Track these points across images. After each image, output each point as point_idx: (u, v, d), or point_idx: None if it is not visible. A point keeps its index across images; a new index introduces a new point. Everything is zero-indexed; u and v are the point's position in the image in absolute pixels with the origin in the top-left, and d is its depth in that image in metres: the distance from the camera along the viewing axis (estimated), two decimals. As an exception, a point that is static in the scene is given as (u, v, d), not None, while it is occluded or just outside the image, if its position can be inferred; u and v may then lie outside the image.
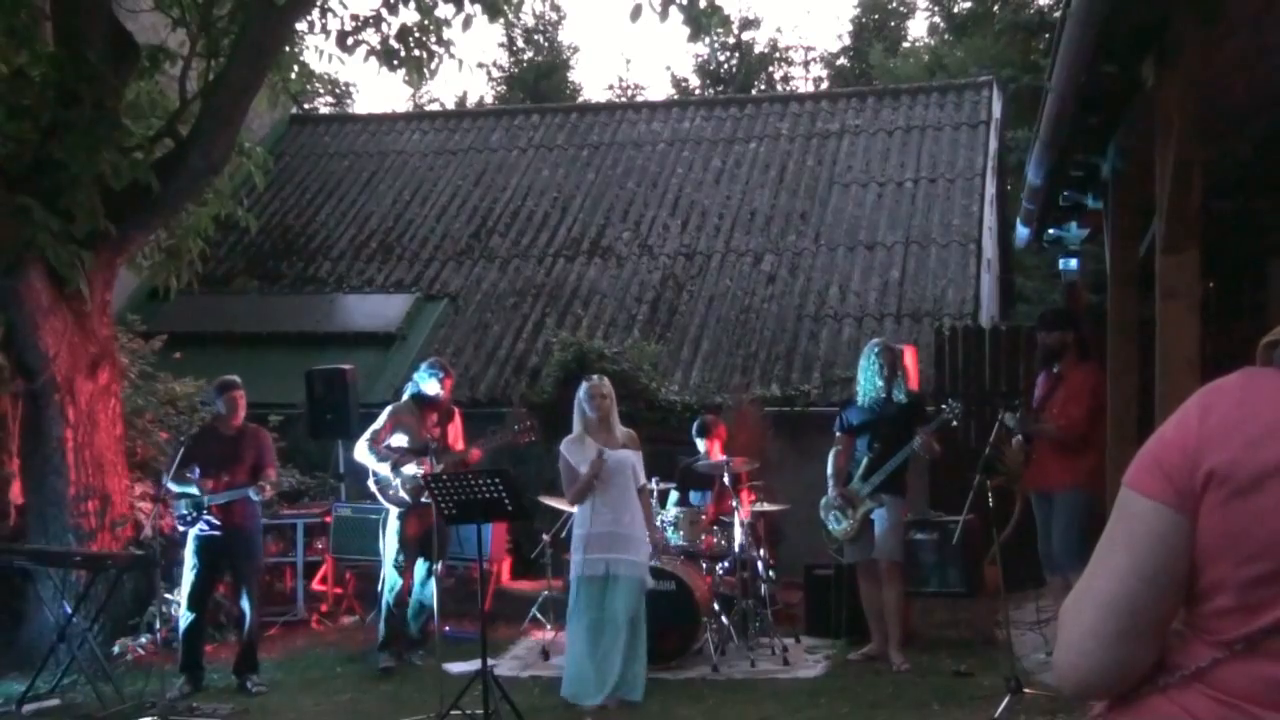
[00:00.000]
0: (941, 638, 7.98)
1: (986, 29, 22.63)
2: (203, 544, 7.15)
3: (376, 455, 7.76)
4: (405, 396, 8.12)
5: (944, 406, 7.40)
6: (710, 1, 8.53)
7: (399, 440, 7.81)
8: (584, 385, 6.94)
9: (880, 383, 7.32)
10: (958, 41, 23.82)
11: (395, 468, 7.72)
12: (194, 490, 7.10)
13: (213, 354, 11.10)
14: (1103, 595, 1.47)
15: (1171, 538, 1.44)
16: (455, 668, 7.12)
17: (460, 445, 8.02)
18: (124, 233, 8.41)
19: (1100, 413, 6.76)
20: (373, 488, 7.92)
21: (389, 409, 8.07)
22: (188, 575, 7.19)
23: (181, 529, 7.20)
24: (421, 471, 7.61)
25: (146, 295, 12.89)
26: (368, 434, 7.89)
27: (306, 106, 20.11)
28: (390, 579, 7.81)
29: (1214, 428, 1.44)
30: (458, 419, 8.18)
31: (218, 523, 7.12)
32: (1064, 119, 5.47)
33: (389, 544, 7.86)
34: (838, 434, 7.62)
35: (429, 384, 7.92)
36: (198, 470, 7.13)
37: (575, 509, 6.89)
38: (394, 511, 7.79)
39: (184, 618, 7.20)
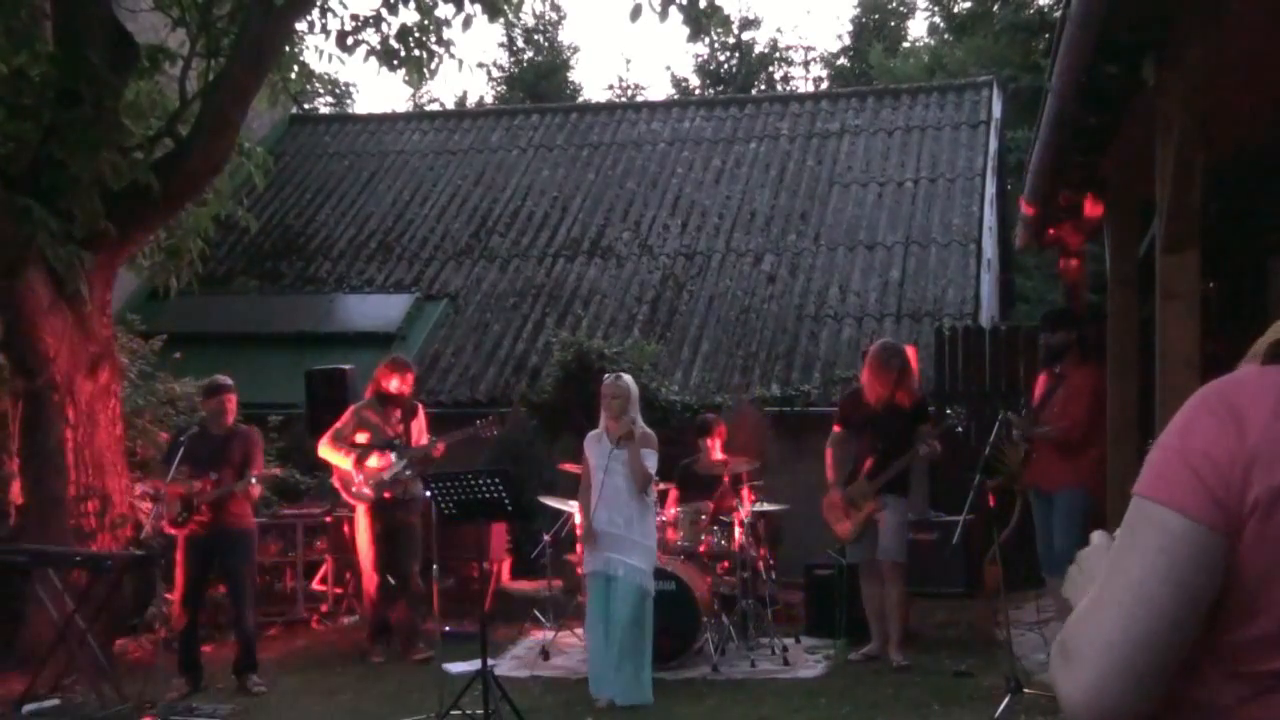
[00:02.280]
0: (941, 638, 7.99)
1: (986, 29, 22.64)
2: (190, 544, 7.15)
3: (339, 453, 7.86)
4: (368, 395, 8.21)
5: (949, 412, 7.39)
6: (710, 1, 8.54)
7: (361, 438, 7.90)
8: (604, 382, 6.97)
9: (890, 385, 7.28)
10: (958, 41, 23.82)
11: (358, 464, 7.81)
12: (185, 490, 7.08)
13: (213, 354, 11.09)
14: (1137, 629, 1.27)
15: (1214, 561, 1.27)
16: (455, 668, 7.11)
17: (425, 440, 8.06)
18: (124, 233, 8.41)
19: (1101, 413, 6.76)
20: (336, 485, 8.02)
21: (352, 407, 8.17)
22: (178, 577, 7.19)
23: (173, 531, 7.18)
24: (382, 465, 7.71)
25: (146, 295, 12.89)
26: (330, 432, 7.98)
27: (306, 106, 20.11)
28: (365, 577, 7.95)
29: (1263, 439, 1.27)
30: (421, 415, 8.25)
31: (206, 520, 7.11)
32: (1064, 119, 5.47)
33: (360, 541, 7.97)
34: (836, 428, 7.58)
35: (389, 381, 7.99)
36: (187, 470, 7.10)
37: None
38: (361, 508, 7.88)
39: (177, 620, 7.20)
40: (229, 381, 7.48)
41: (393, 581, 8.02)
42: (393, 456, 7.84)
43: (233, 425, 7.43)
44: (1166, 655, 1.28)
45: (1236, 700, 1.28)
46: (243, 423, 8.28)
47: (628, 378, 6.97)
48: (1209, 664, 1.31)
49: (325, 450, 7.99)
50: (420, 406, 8.38)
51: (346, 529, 8.85)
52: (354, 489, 7.89)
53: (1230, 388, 1.34)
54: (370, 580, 7.97)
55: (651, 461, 6.70)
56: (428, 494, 6.69)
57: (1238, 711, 1.28)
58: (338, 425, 8.02)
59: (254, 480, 7.17)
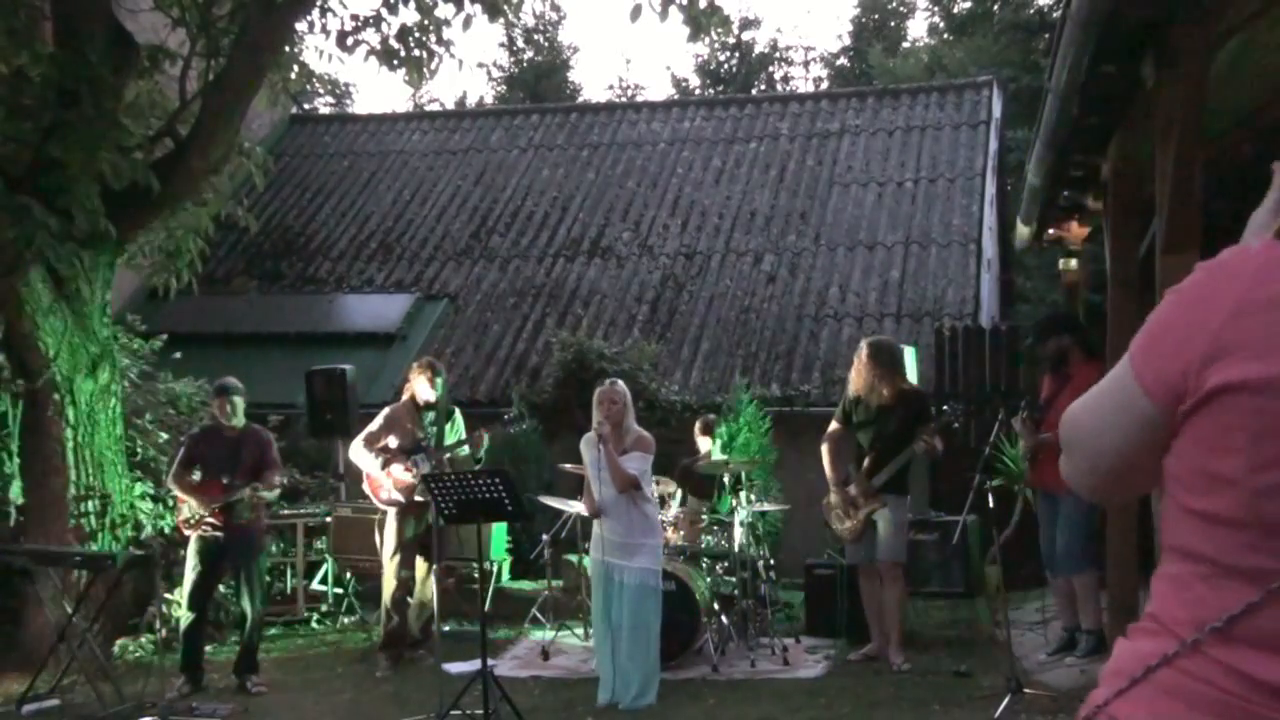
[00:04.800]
0: (941, 638, 7.98)
1: (986, 29, 22.64)
2: (204, 545, 7.16)
3: (369, 456, 7.78)
4: (405, 397, 8.13)
5: (946, 408, 7.39)
6: (710, 1, 8.54)
7: (390, 442, 7.82)
8: (597, 389, 6.92)
9: (871, 382, 7.28)
10: (958, 41, 23.82)
11: (385, 468, 7.73)
12: (193, 502, 7.09)
13: (213, 354, 11.10)
14: (1090, 452, 1.50)
15: (1151, 426, 1.40)
16: (455, 668, 7.11)
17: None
18: (124, 233, 8.41)
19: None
20: (366, 490, 7.94)
21: (385, 410, 8.09)
22: (188, 575, 7.19)
23: (186, 531, 7.20)
24: (408, 469, 7.65)
25: (146, 295, 12.89)
26: (362, 435, 7.92)
27: (306, 106, 20.11)
28: (386, 582, 7.83)
29: (1230, 324, 1.32)
30: (458, 417, 8.17)
31: (219, 524, 7.11)
32: (1064, 119, 5.47)
33: (386, 544, 7.88)
34: (835, 424, 7.57)
35: (420, 384, 7.92)
36: (199, 474, 7.12)
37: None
38: (391, 512, 7.81)
39: (184, 618, 7.20)
40: (235, 383, 7.45)
41: (413, 583, 7.98)
42: (420, 460, 7.77)
43: (245, 426, 7.42)
44: (1123, 474, 1.49)
45: (1227, 621, 1.28)
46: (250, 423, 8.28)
47: (621, 383, 6.94)
48: (1191, 567, 1.36)
49: (355, 454, 7.91)
50: (456, 410, 8.27)
51: (377, 535, 8.71)
52: (384, 494, 7.81)
53: (1225, 266, 1.40)
54: (390, 587, 7.81)
55: (635, 464, 6.61)
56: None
57: (1238, 626, 1.27)
58: (370, 428, 7.95)
59: (260, 488, 7.13)
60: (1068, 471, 1.57)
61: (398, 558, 7.76)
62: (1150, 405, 1.39)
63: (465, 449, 7.92)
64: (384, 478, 7.77)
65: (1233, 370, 1.30)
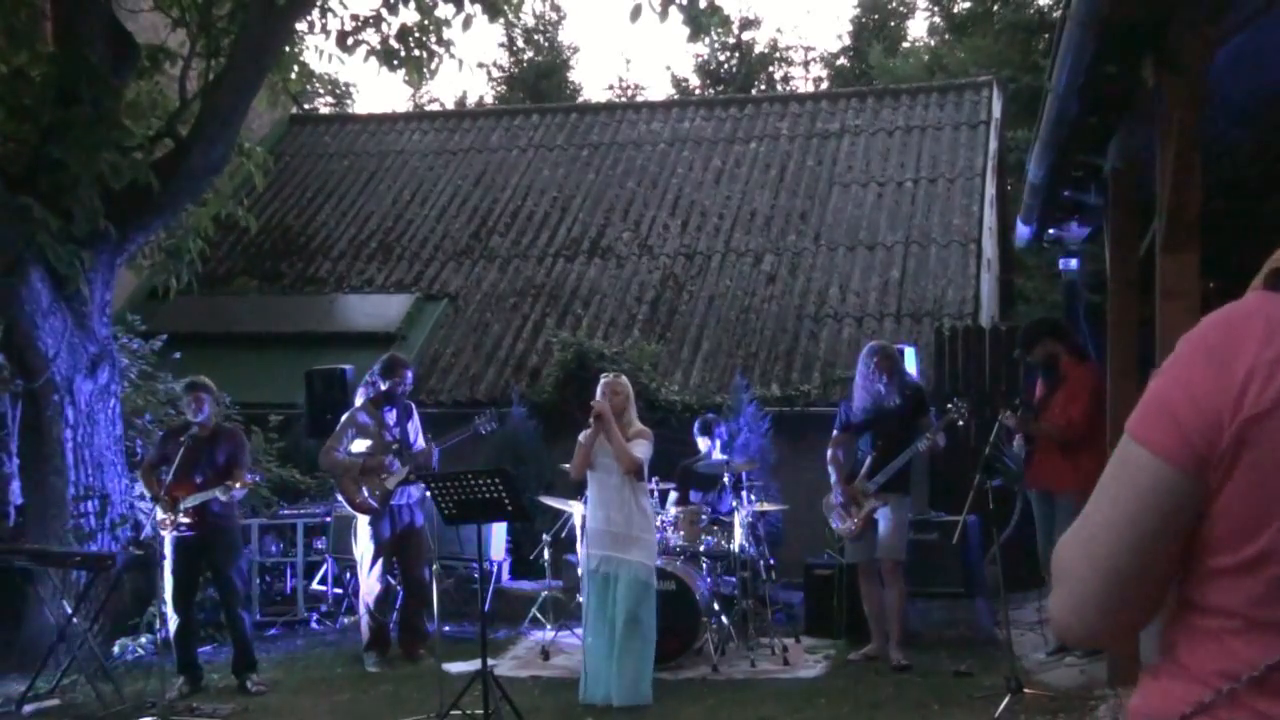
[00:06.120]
0: (941, 638, 7.98)
1: (986, 29, 22.62)
2: (178, 545, 7.14)
3: (337, 464, 7.76)
4: (360, 399, 8.08)
5: (950, 405, 7.39)
6: (710, 1, 8.55)
7: (359, 446, 7.78)
8: (602, 378, 6.96)
9: (880, 387, 7.31)
10: (958, 41, 23.82)
11: (361, 473, 7.70)
12: (152, 503, 7.05)
13: (213, 354, 11.09)
14: (1103, 562, 1.35)
15: (1178, 499, 1.31)
16: (455, 668, 7.12)
17: (421, 441, 7.98)
18: (124, 233, 8.42)
19: (1101, 413, 6.76)
20: (341, 497, 7.92)
21: (345, 415, 8.05)
22: (168, 578, 7.17)
23: (160, 532, 7.17)
24: (384, 474, 7.63)
25: (146, 295, 12.89)
26: (328, 444, 7.88)
27: (306, 106, 20.10)
28: (366, 585, 7.81)
29: (1248, 376, 1.28)
30: (415, 416, 8.15)
31: (192, 523, 7.08)
32: (1064, 119, 5.47)
33: (361, 549, 7.85)
34: (836, 432, 7.60)
35: (384, 383, 7.89)
36: (167, 472, 7.03)
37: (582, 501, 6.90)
38: (363, 519, 7.78)
39: (171, 620, 7.18)
40: (204, 380, 7.41)
41: (398, 586, 7.98)
42: (395, 463, 7.75)
43: (216, 425, 7.40)
44: (1140, 581, 1.34)
45: (1266, 670, 1.27)
46: (241, 423, 8.27)
47: (625, 378, 6.97)
48: (1224, 623, 1.32)
49: (326, 462, 7.90)
50: (414, 407, 8.29)
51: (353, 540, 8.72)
52: (359, 500, 7.78)
53: (1226, 319, 1.37)
54: (370, 589, 7.84)
55: (642, 450, 6.63)
56: (426, 494, 6.66)
57: (1270, 678, 1.27)
58: (334, 435, 7.92)
59: (234, 486, 7.09)
60: (1067, 609, 1.41)
61: (380, 562, 7.76)
62: (1174, 473, 1.30)
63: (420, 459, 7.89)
64: (359, 484, 7.71)
65: (1252, 412, 1.27)
